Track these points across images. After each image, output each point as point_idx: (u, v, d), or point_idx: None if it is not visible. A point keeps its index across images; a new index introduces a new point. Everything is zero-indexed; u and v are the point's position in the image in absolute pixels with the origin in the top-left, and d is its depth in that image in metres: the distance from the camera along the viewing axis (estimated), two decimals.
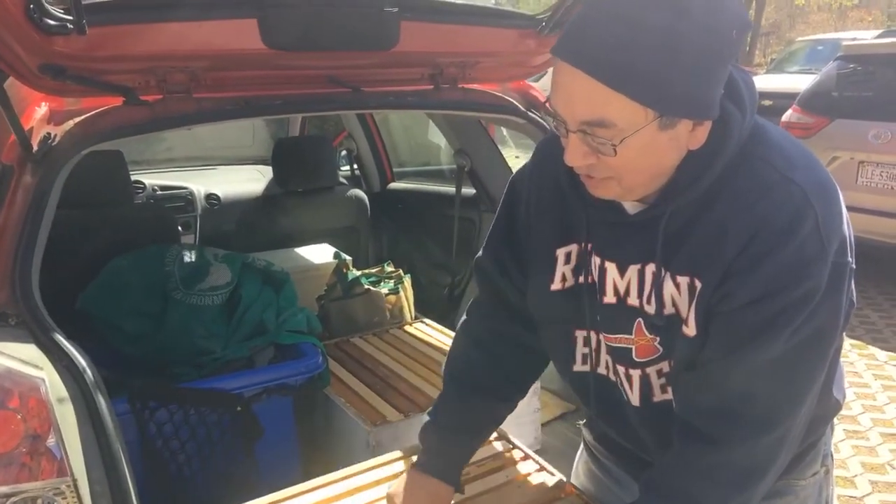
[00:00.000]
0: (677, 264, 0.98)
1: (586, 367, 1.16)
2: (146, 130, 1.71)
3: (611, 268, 1.05)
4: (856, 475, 3.05)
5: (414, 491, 1.21)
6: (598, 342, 1.12)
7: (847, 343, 4.40)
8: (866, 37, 7.20)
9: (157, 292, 1.77)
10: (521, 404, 1.85)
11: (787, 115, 5.82)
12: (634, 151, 0.89)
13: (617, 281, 1.05)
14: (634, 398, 1.10)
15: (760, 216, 0.91)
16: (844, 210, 0.96)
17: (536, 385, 1.90)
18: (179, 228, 3.05)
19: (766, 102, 11.48)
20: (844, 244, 0.94)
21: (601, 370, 1.14)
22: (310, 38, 1.75)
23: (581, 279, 1.10)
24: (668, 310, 1.00)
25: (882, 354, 4.28)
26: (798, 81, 8.93)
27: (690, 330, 0.98)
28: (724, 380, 0.96)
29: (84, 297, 1.84)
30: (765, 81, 12.74)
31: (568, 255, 1.11)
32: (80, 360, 1.36)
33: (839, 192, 0.96)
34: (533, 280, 1.16)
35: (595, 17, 0.87)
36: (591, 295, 1.09)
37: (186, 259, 1.83)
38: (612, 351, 1.10)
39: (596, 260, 1.07)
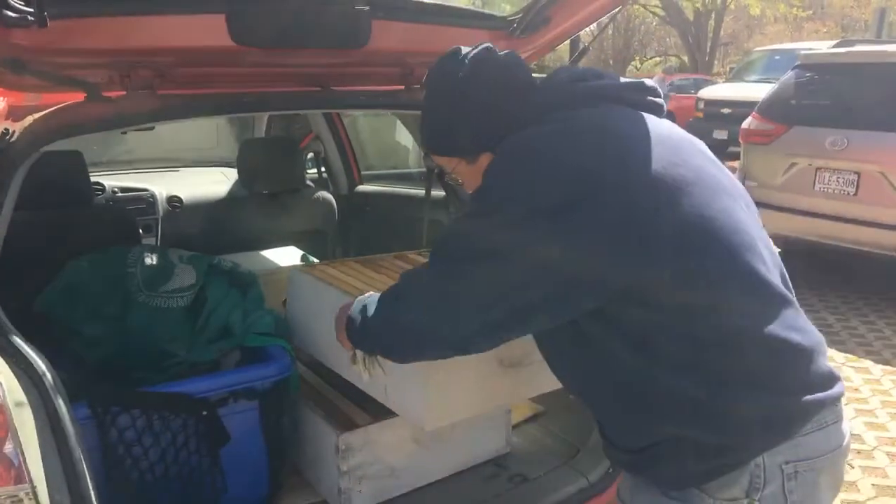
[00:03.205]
0: None
1: None
2: (108, 127, 1.66)
3: None
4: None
5: None
6: None
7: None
8: (822, 47, 7.38)
9: (119, 294, 1.72)
10: None
11: (748, 122, 5.94)
12: (467, 180, 1.40)
13: None
14: None
15: None
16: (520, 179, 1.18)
17: None
18: (140, 231, 2.98)
19: (726, 110, 11.87)
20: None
21: None
22: (279, 34, 1.73)
23: None
24: None
25: (840, 357, 4.37)
26: (756, 90, 9.15)
27: None
28: None
29: (42, 300, 1.78)
30: (724, 90, 13.07)
31: None
32: (40, 364, 1.31)
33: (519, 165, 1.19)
34: None
35: (423, 112, 1.43)
36: None
37: (149, 261, 1.78)
38: None
39: None
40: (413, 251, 2.20)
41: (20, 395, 1.23)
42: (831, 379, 1.24)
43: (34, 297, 1.80)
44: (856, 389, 3.97)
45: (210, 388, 1.61)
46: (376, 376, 1.45)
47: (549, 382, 1.73)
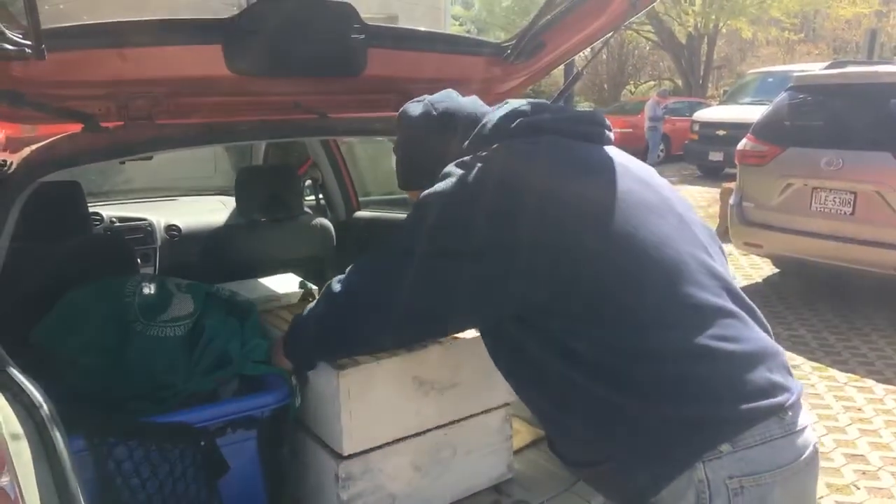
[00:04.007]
0: None
1: None
2: (106, 157, 1.67)
3: None
4: (821, 497, 3.08)
5: None
6: None
7: (807, 365, 4.47)
8: (814, 68, 7.46)
9: (116, 324, 1.71)
10: (493, 431, 1.85)
11: (742, 144, 5.98)
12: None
13: None
14: None
15: None
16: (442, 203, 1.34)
17: (508, 412, 1.88)
18: (138, 260, 2.97)
19: (721, 132, 11.96)
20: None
21: None
22: (276, 63, 1.75)
23: None
24: None
25: (842, 376, 4.36)
26: (750, 112, 9.22)
27: None
28: None
29: (39, 331, 1.76)
30: (719, 112, 13.18)
31: None
32: (36, 395, 1.30)
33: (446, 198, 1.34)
34: None
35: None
36: None
37: (147, 290, 1.78)
38: None
39: None
40: None
41: (16, 428, 1.22)
42: (773, 389, 1.24)
43: (31, 327, 1.80)
44: (859, 409, 3.95)
45: (208, 417, 1.59)
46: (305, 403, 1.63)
47: (477, 404, 1.78)
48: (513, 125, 1.41)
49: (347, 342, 1.49)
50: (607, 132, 1.48)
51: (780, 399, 1.24)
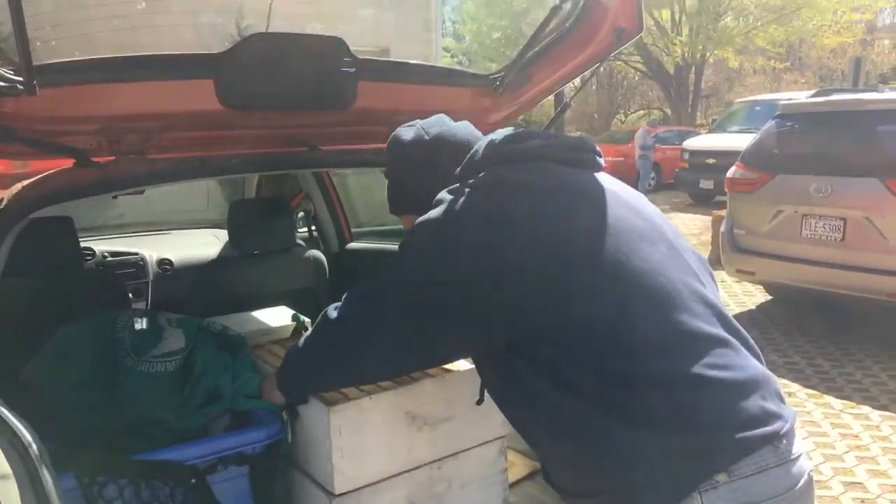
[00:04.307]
0: None
1: None
2: (97, 192, 1.67)
3: None
4: None
5: None
6: None
7: (803, 392, 4.46)
8: (801, 96, 7.56)
9: (107, 361, 1.69)
10: (488, 464, 1.83)
11: (732, 172, 6.03)
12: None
13: None
14: None
15: None
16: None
17: (503, 444, 1.86)
18: (130, 295, 2.95)
19: (711, 160, 12.07)
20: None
21: None
22: (267, 97, 1.76)
23: None
24: None
25: (837, 403, 4.34)
26: (739, 140, 9.33)
27: None
28: None
29: (29, 367, 1.75)
30: (708, 141, 13.32)
31: None
32: (25, 435, 1.28)
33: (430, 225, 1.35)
34: None
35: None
36: None
37: (138, 325, 1.76)
38: None
39: None
40: None
41: (5, 468, 1.20)
42: (767, 417, 1.24)
43: (22, 364, 1.78)
44: (856, 436, 3.93)
45: (199, 454, 1.57)
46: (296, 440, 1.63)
47: (471, 437, 1.77)
48: (503, 152, 1.41)
49: (339, 372, 1.48)
50: (598, 158, 1.47)
51: (774, 427, 1.23)
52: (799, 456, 1.27)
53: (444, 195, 1.37)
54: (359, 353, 1.41)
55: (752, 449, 1.20)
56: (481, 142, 1.46)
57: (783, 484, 1.22)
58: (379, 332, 1.37)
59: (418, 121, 1.57)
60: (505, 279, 1.25)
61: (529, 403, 1.32)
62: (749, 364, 1.29)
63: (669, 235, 1.40)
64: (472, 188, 1.35)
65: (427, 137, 1.52)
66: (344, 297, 1.47)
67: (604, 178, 1.44)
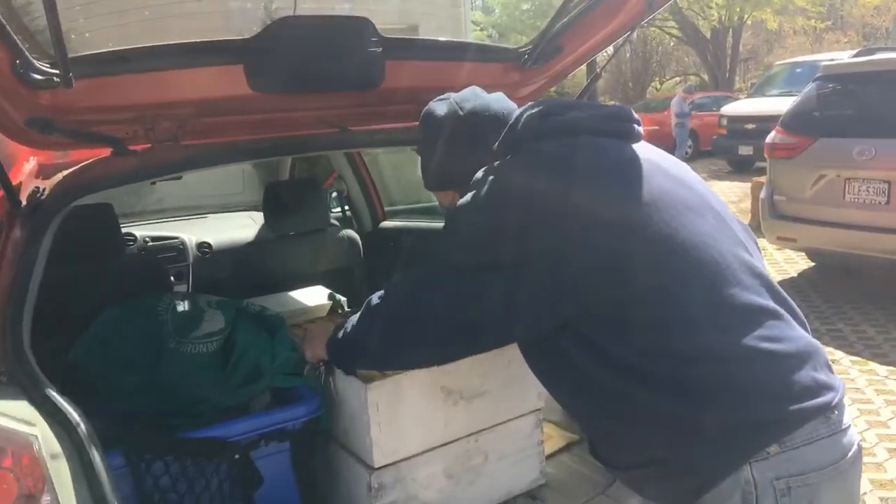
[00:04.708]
0: None
1: None
2: (135, 180, 1.71)
3: None
4: (864, 493, 3.01)
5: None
6: None
7: (847, 359, 4.38)
8: (843, 57, 7.32)
9: (151, 342, 1.74)
10: (524, 437, 1.85)
11: (771, 137, 5.89)
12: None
13: None
14: None
15: None
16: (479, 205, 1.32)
17: (539, 416, 1.88)
18: (172, 278, 3.03)
19: (750, 126, 11.78)
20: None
21: None
22: (296, 80, 1.77)
23: None
24: None
25: (882, 369, 4.26)
26: (779, 104, 9.08)
27: None
28: None
29: (76, 350, 1.81)
30: (747, 106, 13.00)
31: None
32: (74, 415, 1.33)
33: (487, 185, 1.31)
34: None
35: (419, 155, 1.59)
36: None
37: (180, 307, 1.81)
38: None
39: None
40: None
41: (55, 447, 1.26)
42: (819, 388, 1.22)
43: (69, 347, 1.84)
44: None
45: (241, 431, 1.62)
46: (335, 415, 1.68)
47: (506, 411, 1.78)
48: (543, 126, 1.37)
49: (387, 358, 1.48)
50: (637, 127, 1.42)
51: (826, 398, 1.22)
52: (848, 426, 1.26)
53: (483, 175, 1.34)
54: (405, 339, 1.40)
55: (804, 420, 1.19)
56: (518, 114, 1.42)
57: (834, 454, 1.22)
58: (426, 318, 1.36)
59: (451, 94, 1.52)
60: (555, 259, 1.23)
61: (580, 382, 1.30)
62: (799, 335, 1.27)
63: (716, 205, 1.37)
64: (516, 165, 1.33)
65: (462, 112, 1.47)
66: (390, 281, 1.46)
67: (645, 147, 1.40)
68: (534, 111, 1.40)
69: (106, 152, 1.71)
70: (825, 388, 1.23)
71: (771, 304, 1.27)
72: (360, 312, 1.51)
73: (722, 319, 1.22)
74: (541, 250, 1.24)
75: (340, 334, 1.55)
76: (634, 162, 1.34)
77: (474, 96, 1.50)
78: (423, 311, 1.36)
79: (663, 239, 1.23)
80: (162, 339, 1.75)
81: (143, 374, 1.72)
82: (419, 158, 1.58)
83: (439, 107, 1.51)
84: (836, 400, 1.24)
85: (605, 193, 1.27)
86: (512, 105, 1.50)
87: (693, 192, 1.35)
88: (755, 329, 1.21)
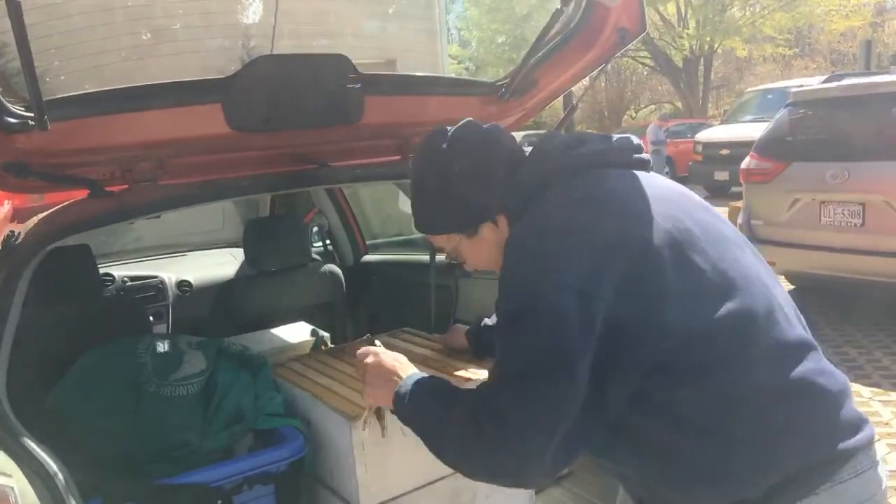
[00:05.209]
0: None
1: None
2: (112, 221, 1.69)
3: None
4: None
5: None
6: None
7: None
8: (813, 82, 7.48)
9: (130, 386, 1.71)
10: None
11: (746, 162, 5.97)
12: (470, 256, 1.40)
13: None
14: None
15: None
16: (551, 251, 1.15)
17: None
18: (151, 318, 2.99)
19: (725, 151, 11.96)
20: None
21: None
22: (274, 118, 1.77)
23: None
24: None
25: (866, 391, 4.28)
26: (752, 130, 9.24)
27: None
28: None
29: (53, 396, 1.77)
30: (721, 132, 13.20)
31: None
32: (51, 465, 1.30)
33: (544, 232, 1.18)
34: None
35: (411, 195, 1.42)
36: None
37: (159, 349, 1.78)
38: None
39: None
40: (386, 333, 2.25)
41: (33, 499, 1.22)
42: (861, 422, 1.21)
43: (46, 394, 1.80)
44: (886, 423, 3.87)
45: (224, 475, 1.58)
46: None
47: None
48: (565, 161, 1.27)
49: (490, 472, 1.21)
50: (646, 158, 1.35)
51: (869, 432, 1.21)
52: (878, 459, 1.23)
53: (533, 224, 1.20)
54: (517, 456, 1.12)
55: (852, 455, 1.17)
56: (541, 148, 1.32)
57: (873, 486, 1.20)
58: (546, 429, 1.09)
59: (447, 128, 1.37)
60: (630, 292, 1.11)
61: (617, 429, 1.19)
62: (834, 368, 1.23)
63: (743, 237, 1.32)
64: (562, 207, 1.21)
65: (462, 146, 1.32)
66: (490, 386, 1.18)
67: (668, 181, 1.34)
68: (555, 143, 1.30)
69: (83, 194, 1.69)
70: (864, 420, 1.22)
71: (808, 336, 1.23)
72: (447, 400, 1.25)
73: (779, 356, 1.17)
74: (609, 290, 1.10)
75: (420, 407, 1.31)
76: (671, 192, 1.27)
77: (470, 128, 1.36)
78: (543, 422, 1.10)
79: (719, 275, 1.16)
80: (141, 383, 1.72)
81: (122, 419, 1.68)
82: (411, 199, 1.43)
83: (431, 140, 1.37)
84: (874, 431, 1.22)
85: (658, 230, 1.16)
86: (510, 135, 1.40)
87: (727, 225, 1.29)
88: (808, 364, 1.17)
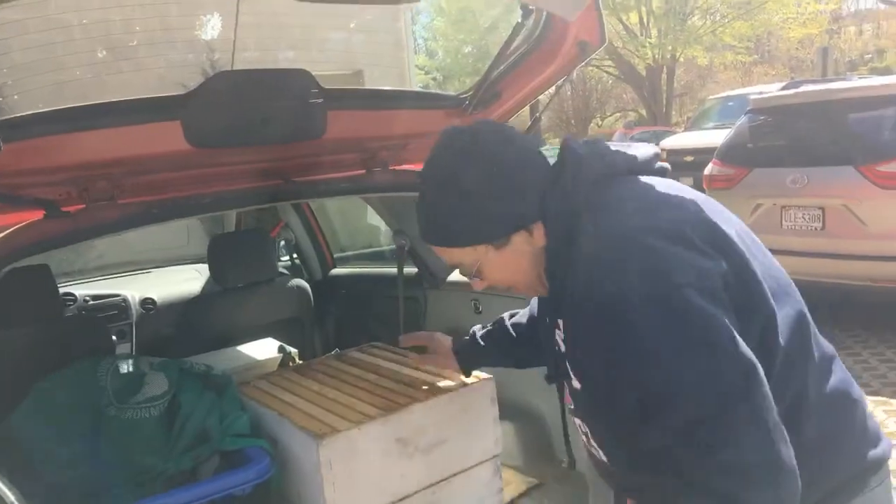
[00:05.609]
0: (560, 324, 1.20)
1: None
2: (69, 242, 1.65)
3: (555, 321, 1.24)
4: None
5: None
6: None
7: None
8: (772, 89, 7.64)
9: (90, 410, 1.67)
10: (483, 485, 1.82)
11: (709, 169, 6.07)
12: (495, 271, 1.22)
13: (558, 333, 1.23)
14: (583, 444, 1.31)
15: (574, 282, 1.09)
16: (654, 246, 1.04)
17: (497, 463, 1.85)
18: (114, 338, 2.92)
19: (688, 158, 12.11)
20: (654, 277, 1.02)
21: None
22: (236, 133, 1.75)
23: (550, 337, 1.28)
24: (562, 363, 1.22)
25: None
26: (714, 136, 9.40)
27: (576, 383, 1.18)
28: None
29: (12, 421, 1.72)
30: (684, 139, 13.40)
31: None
32: (9, 495, 1.26)
33: (640, 239, 1.05)
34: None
35: (418, 203, 1.23)
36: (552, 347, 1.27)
37: (119, 371, 1.75)
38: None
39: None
40: (355, 348, 2.23)
41: None
42: (879, 431, 1.22)
43: (3, 420, 1.75)
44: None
45: (189, 499, 1.54)
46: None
47: (464, 459, 1.76)
48: (610, 167, 1.19)
49: None
50: (666, 165, 1.32)
51: (888, 442, 1.21)
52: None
53: (622, 232, 1.07)
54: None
55: (881, 465, 1.18)
56: (582, 151, 1.19)
57: (890, 496, 1.21)
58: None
59: (462, 127, 1.22)
60: (731, 284, 1.05)
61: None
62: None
63: None
64: (629, 210, 1.11)
65: (493, 146, 1.17)
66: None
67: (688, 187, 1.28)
68: (590, 149, 1.20)
69: (38, 215, 1.65)
70: (881, 431, 1.23)
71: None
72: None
73: (824, 362, 1.15)
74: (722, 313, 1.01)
75: None
76: (711, 203, 1.20)
77: (492, 126, 1.23)
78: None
79: (775, 285, 1.12)
80: (101, 407, 1.68)
81: (83, 445, 1.64)
82: (425, 210, 1.23)
83: (458, 140, 1.19)
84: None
85: (732, 233, 1.11)
86: (527, 136, 1.28)
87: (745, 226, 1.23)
88: (840, 373, 1.17)
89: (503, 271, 1.22)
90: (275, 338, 2.80)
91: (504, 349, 1.65)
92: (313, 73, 1.83)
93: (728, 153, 5.95)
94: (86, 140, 1.59)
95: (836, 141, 5.27)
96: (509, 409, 2.07)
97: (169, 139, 1.66)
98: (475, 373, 1.82)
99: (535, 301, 1.55)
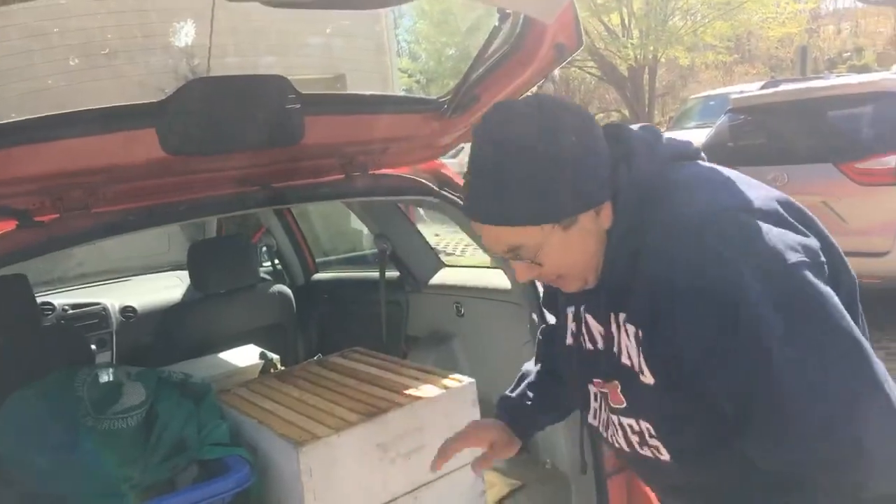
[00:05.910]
0: (625, 316, 1.10)
1: (596, 421, 1.26)
2: (42, 252, 1.63)
3: (590, 319, 1.20)
4: None
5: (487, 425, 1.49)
6: (598, 393, 1.22)
7: None
8: (752, 88, 7.71)
9: (67, 421, 1.65)
10: (466, 488, 1.82)
11: None
12: (556, 255, 1.10)
13: (594, 330, 1.19)
14: (624, 446, 1.20)
15: (666, 266, 1.02)
16: (752, 225, 1.00)
17: None
18: (93, 347, 2.90)
19: None
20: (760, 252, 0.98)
21: (602, 420, 1.23)
22: (212, 140, 1.74)
23: (581, 335, 1.23)
24: (624, 359, 1.11)
25: None
26: (696, 136, 9.44)
27: (648, 378, 1.08)
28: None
29: None
30: None
31: (572, 314, 1.26)
32: None
33: (739, 212, 1.02)
34: (557, 336, 1.33)
35: (473, 177, 1.09)
36: (583, 346, 1.22)
37: (96, 382, 1.73)
38: (601, 397, 1.21)
39: (585, 315, 1.22)
40: (336, 353, 2.23)
41: None
42: None
43: None
44: None
45: None
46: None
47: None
48: (672, 150, 1.18)
49: None
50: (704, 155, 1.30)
51: None
52: None
53: (731, 215, 1.02)
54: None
55: None
56: (650, 131, 1.18)
57: None
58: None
59: (507, 102, 1.14)
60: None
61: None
62: None
63: None
64: (713, 187, 1.10)
65: (564, 115, 1.08)
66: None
67: None
68: (645, 132, 1.18)
69: (10, 226, 1.63)
70: None
71: None
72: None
73: None
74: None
75: None
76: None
77: (549, 97, 1.14)
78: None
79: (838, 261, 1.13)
80: (78, 418, 1.66)
81: (60, 456, 1.62)
82: (484, 184, 1.08)
83: (523, 111, 1.08)
84: None
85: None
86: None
87: None
88: None
89: (566, 255, 1.11)
90: (257, 344, 2.78)
91: (546, 387, 1.49)
92: (293, 79, 1.82)
93: (709, 152, 5.73)
94: (59, 149, 1.57)
95: (815, 139, 5.33)
96: (491, 412, 2.07)
97: (144, 147, 1.65)
98: (456, 375, 1.82)
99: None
